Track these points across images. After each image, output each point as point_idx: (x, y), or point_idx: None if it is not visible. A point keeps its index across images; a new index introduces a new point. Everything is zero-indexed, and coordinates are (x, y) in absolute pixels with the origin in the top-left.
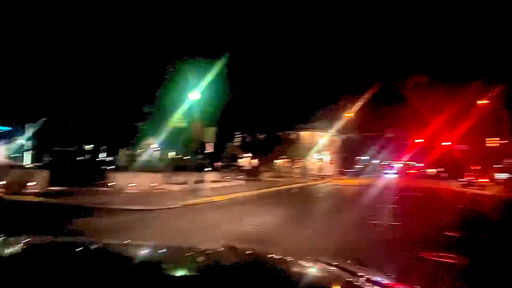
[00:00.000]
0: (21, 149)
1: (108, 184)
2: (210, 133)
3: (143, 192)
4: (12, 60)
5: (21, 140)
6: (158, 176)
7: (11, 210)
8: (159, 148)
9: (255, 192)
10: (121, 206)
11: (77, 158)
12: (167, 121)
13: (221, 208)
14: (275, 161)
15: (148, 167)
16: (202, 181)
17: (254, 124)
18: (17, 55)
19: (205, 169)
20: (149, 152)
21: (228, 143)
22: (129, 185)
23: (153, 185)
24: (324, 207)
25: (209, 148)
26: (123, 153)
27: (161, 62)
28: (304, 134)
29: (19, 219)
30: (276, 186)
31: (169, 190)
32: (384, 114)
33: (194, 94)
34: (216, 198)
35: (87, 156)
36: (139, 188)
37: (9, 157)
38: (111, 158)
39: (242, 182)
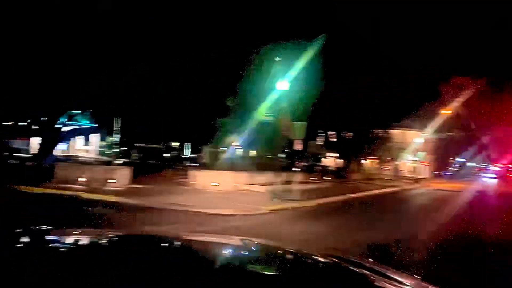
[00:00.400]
0: (108, 145)
1: (190, 182)
2: (299, 129)
3: (225, 193)
4: (96, 56)
5: (110, 136)
6: (241, 175)
7: (80, 211)
8: (241, 146)
9: (348, 197)
10: (201, 209)
11: (164, 155)
12: (251, 116)
13: (317, 216)
14: (362, 161)
15: (231, 166)
16: (289, 182)
17: (341, 121)
18: (103, 51)
19: (293, 169)
20: (231, 149)
21: (310, 141)
22: (211, 184)
23: (235, 185)
24: (446, 217)
25: (298, 146)
26: (205, 150)
27: (245, 49)
28: (395, 133)
29: (86, 221)
30: (369, 190)
31: (253, 191)
32: (487, 112)
33: (282, 84)
34: (306, 203)
35: (173, 153)
36: (221, 187)
37: (96, 153)
38: (194, 156)
39: (330, 184)
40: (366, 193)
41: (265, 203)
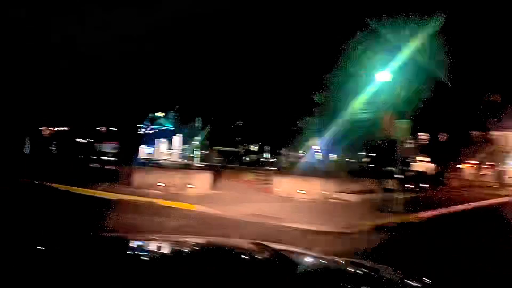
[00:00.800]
0: (190, 149)
1: (274, 189)
2: (404, 128)
3: (314, 202)
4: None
5: (192, 139)
6: (329, 182)
7: (151, 221)
8: (324, 148)
9: (458, 208)
10: (292, 223)
11: (243, 158)
12: (342, 113)
13: (442, 235)
14: (457, 166)
15: (315, 171)
16: (384, 191)
17: (438, 121)
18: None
19: (395, 176)
20: (314, 152)
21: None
22: (297, 191)
23: (324, 193)
24: None
25: (401, 148)
26: (286, 154)
27: (336, 36)
28: (497, 135)
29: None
30: (480, 199)
31: (346, 201)
32: None
33: (383, 75)
34: (413, 217)
35: (251, 157)
36: (308, 195)
37: (178, 157)
38: (274, 159)
39: (430, 192)
40: (478, 203)
41: (365, 217)
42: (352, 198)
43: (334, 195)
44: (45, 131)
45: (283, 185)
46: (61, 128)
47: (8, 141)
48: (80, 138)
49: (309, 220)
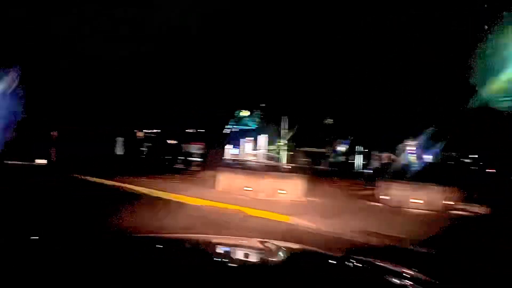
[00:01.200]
0: (275, 149)
1: (379, 197)
2: None
3: (437, 215)
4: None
5: (278, 139)
6: (449, 190)
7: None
8: (418, 147)
9: None
10: (420, 248)
11: (330, 160)
12: (467, 103)
13: None
14: None
15: (420, 174)
16: None
17: None
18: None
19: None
20: (407, 152)
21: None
22: (411, 201)
23: (445, 203)
24: None
25: None
26: (378, 155)
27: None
28: None
29: None
30: None
31: (475, 214)
32: None
33: None
34: None
35: (338, 158)
36: (426, 206)
37: (264, 157)
38: (365, 161)
39: None
40: None
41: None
42: (482, 210)
43: (458, 206)
44: (139, 133)
45: (391, 192)
46: (154, 130)
47: (101, 144)
48: (170, 140)
49: (444, 243)
